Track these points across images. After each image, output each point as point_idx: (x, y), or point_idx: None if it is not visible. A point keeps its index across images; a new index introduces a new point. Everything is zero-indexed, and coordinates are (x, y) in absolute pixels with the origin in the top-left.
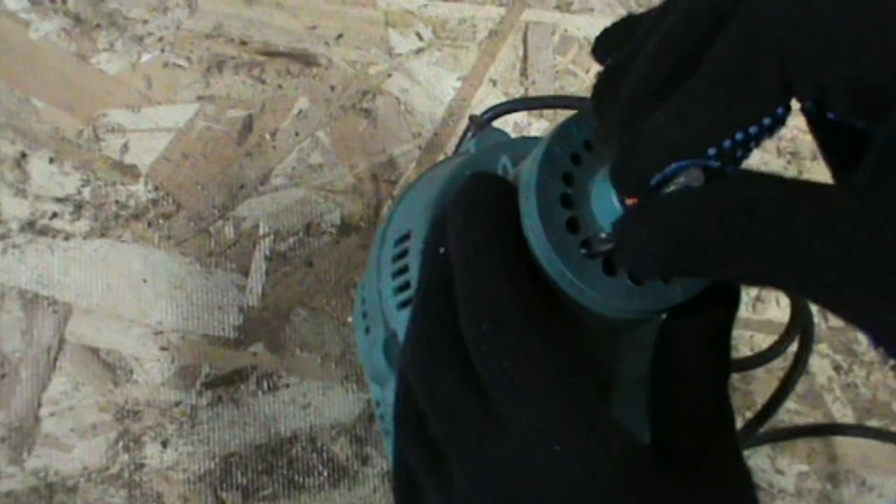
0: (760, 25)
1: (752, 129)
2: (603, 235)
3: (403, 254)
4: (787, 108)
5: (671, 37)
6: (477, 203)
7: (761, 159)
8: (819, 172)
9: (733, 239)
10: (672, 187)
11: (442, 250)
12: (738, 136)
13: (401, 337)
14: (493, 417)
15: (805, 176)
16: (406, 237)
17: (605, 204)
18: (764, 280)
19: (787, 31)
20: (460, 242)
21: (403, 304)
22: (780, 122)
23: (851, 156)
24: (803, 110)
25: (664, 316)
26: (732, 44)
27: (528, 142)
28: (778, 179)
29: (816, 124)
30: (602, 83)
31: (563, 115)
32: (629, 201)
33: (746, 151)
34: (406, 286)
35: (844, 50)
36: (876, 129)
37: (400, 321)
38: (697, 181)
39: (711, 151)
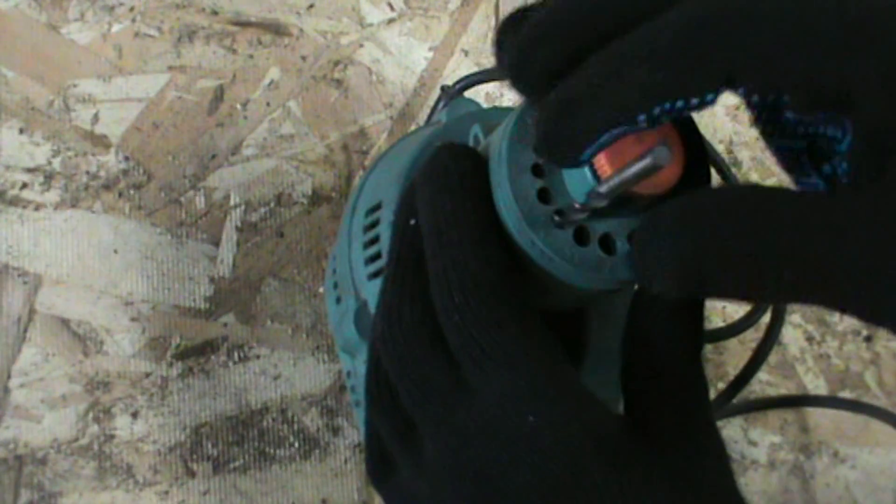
0: (716, 12)
1: (679, 103)
2: (577, 205)
3: (374, 224)
4: (717, 96)
5: None
6: (447, 174)
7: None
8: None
9: (758, 245)
10: (637, 166)
11: (412, 221)
12: (667, 105)
13: (372, 307)
14: (463, 387)
15: None
16: (377, 207)
17: (576, 174)
18: (788, 290)
19: (743, 27)
20: (430, 213)
21: (374, 275)
22: (706, 104)
23: (812, 164)
24: (756, 118)
25: (636, 286)
26: (684, 21)
27: (499, 112)
28: (786, 189)
29: (768, 127)
30: (509, 19)
31: None
32: (601, 171)
33: (665, 121)
34: (377, 256)
35: (800, 50)
36: (833, 129)
37: (370, 291)
38: (664, 161)
39: (641, 118)
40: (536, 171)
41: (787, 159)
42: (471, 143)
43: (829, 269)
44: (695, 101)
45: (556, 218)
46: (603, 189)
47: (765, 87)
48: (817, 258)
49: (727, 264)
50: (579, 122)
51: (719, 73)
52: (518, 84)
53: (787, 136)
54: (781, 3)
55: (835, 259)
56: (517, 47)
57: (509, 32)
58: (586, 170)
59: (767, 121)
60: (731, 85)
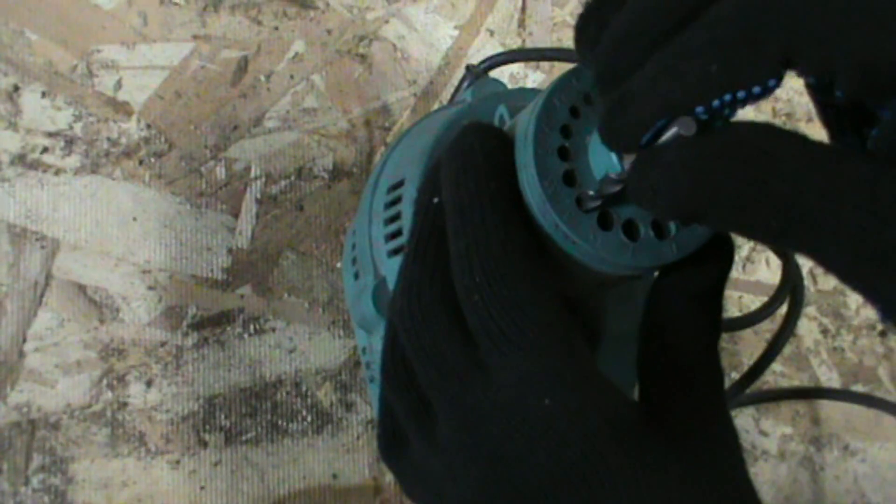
0: None
1: (741, 94)
2: (591, 193)
3: (396, 201)
4: (779, 81)
5: None
6: (472, 153)
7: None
8: (814, 135)
9: (749, 190)
10: (666, 136)
11: (436, 200)
12: (727, 97)
13: (390, 284)
14: (480, 368)
15: None
16: (399, 184)
17: (603, 157)
18: (773, 237)
19: (801, 9)
20: (454, 192)
21: (394, 252)
22: (768, 91)
23: (853, 124)
24: (806, 84)
25: (656, 274)
26: (740, 7)
27: (525, 93)
28: (799, 137)
29: (818, 95)
30: (586, 16)
31: (560, 67)
32: (627, 156)
33: (731, 113)
34: (398, 233)
35: (858, 33)
36: (882, 109)
37: (390, 268)
38: (689, 130)
39: (699, 109)
40: (562, 153)
41: (828, 114)
42: (496, 123)
43: (817, 227)
44: (756, 89)
45: (578, 204)
46: (626, 167)
47: (821, 68)
48: (807, 214)
49: (720, 205)
50: (632, 116)
51: (775, 57)
52: (604, 90)
53: (832, 94)
54: None
55: (825, 219)
56: (604, 54)
57: (590, 23)
58: (613, 153)
59: (819, 95)
60: (788, 67)
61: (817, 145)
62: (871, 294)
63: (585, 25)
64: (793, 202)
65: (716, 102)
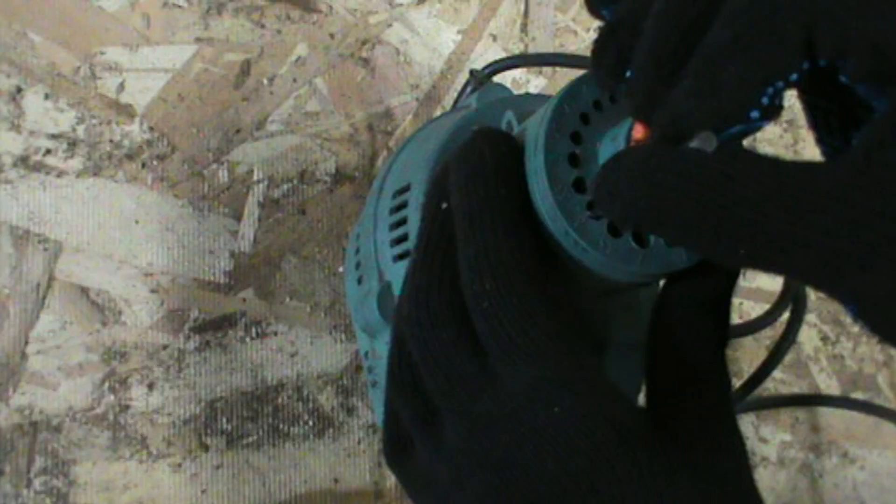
0: None
1: (779, 84)
2: None
3: (402, 206)
4: (812, 63)
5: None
6: (482, 159)
7: None
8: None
9: (710, 214)
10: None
11: (444, 205)
12: (770, 90)
13: (396, 289)
14: (488, 375)
15: (801, 144)
16: (405, 189)
17: None
18: (740, 262)
19: None
20: (464, 198)
21: (400, 257)
22: (804, 74)
23: (839, 126)
24: (798, 85)
25: (662, 282)
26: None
27: (532, 98)
28: (766, 160)
29: (811, 86)
30: (602, 42)
31: (563, 72)
32: None
33: (780, 103)
34: (404, 238)
35: (873, 13)
36: (880, 100)
37: (395, 273)
38: (709, 146)
39: (754, 114)
40: (573, 160)
41: (816, 116)
42: (503, 129)
43: (787, 246)
44: (793, 76)
45: (588, 211)
46: None
47: (835, 49)
48: (776, 236)
49: (679, 223)
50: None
51: (798, 41)
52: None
53: (822, 94)
54: None
55: (795, 237)
56: (638, 86)
57: (607, 50)
58: None
59: (809, 76)
60: (812, 48)
61: (786, 164)
62: (844, 296)
63: (603, 51)
64: (758, 227)
65: (765, 100)
